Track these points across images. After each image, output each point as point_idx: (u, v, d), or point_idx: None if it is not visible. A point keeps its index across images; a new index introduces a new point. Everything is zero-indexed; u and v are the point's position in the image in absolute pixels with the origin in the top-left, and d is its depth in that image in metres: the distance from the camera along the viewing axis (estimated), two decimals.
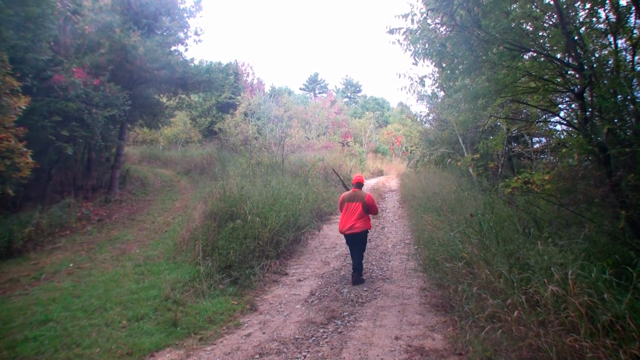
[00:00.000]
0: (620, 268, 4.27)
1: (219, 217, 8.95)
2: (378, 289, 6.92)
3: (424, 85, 8.57)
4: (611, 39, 5.97)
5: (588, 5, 6.15)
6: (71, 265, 8.42)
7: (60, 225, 10.82)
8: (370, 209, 7.53)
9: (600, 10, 6.12)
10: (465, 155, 13.52)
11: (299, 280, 7.59)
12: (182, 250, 8.59)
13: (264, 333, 5.33)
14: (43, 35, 10.77)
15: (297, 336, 5.20)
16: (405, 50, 7.21)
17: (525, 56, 6.88)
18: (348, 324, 5.52)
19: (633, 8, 5.54)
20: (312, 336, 5.19)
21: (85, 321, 5.53)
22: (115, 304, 6.12)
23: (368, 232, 7.70)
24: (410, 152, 30.63)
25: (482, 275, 5.15)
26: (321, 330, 5.36)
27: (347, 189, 8.07)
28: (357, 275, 7.33)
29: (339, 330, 5.35)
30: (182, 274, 7.21)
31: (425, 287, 6.73)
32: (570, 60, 6.08)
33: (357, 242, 7.45)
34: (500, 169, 12.29)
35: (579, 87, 5.90)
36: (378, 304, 6.23)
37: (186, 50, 19.03)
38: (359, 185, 7.83)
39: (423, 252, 8.10)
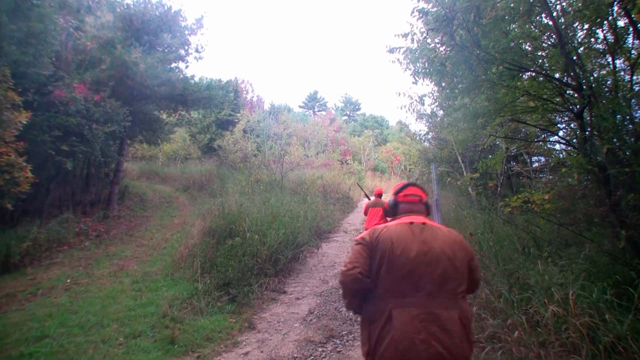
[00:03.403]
0: (622, 288, 4.26)
1: (217, 234, 8.92)
2: None
3: (423, 104, 8.64)
4: (610, 59, 6.03)
5: (586, 26, 6.23)
6: (68, 280, 8.35)
7: (58, 240, 10.76)
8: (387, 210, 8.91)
9: (599, 31, 6.20)
10: (465, 174, 13.55)
11: (298, 298, 7.54)
12: (180, 267, 8.54)
13: (262, 352, 5.28)
14: (45, 51, 10.83)
15: (295, 355, 5.15)
16: (405, 69, 7.26)
17: (524, 76, 6.94)
18: (347, 343, 5.47)
19: (631, 29, 5.61)
20: (311, 355, 5.14)
21: (82, 338, 5.47)
22: (113, 320, 6.06)
23: None
24: (409, 171, 30.71)
25: (482, 295, 5.13)
26: (320, 350, 5.31)
27: (369, 199, 10.00)
28: None
29: (338, 349, 5.31)
30: (180, 291, 7.16)
31: None
32: (569, 80, 6.13)
33: None
34: (499, 188, 12.31)
35: (578, 106, 5.94)
36: None
37: (187, 67, 19.11)
38: (380, 195, 9.84)
39: None
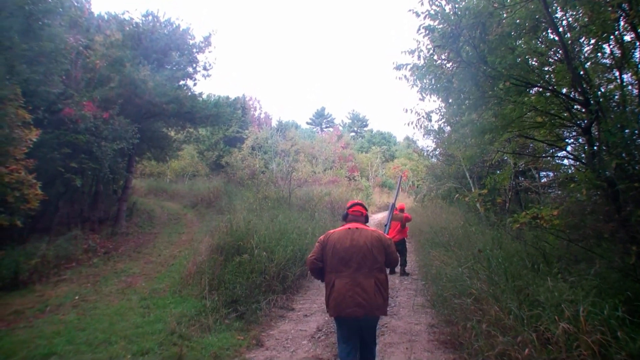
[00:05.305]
0: (633, 305, 4.20)
1: (225, 251, 8.90)
2: (385, 325, 6.81)
3: (430, 120, 8.65)
4: (617, 74, 6.03)
5: (593, 41, 6.24)
6: (76, 297, 8.36)
7: (66, 257, 10.79)
8: (404, 222, 10.71)
9: (605, 46, 6.21)
10: (473, 190, 13.48)
11: (306, 315, 7.49)
12: (188, 284, 8.52)
13: None
14: (55, 70, 10.98)
15: None
16: (412, 86, 7.29)
17: (531, 91, 6.94)
18: None
19: (637, 43, 5.62)
20: None
21: (89, 355, 5.46)
22: (120, 337, 6.04)
23: (405, 239, 11.08)
24: (417, 187, 30.64)
25: (492, 312, 5.07)
26: None
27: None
28: (402, 270, 10.41)
29: None
30: (188, 308, 7.14)
31: (433, 324, 6.61)
32: (576, 95, 6.13)
33: (398, 246, 9.60)
34: (507, 204, 12.24)
35: (585, 121, 5.93)
36: (385, 340, 6.12)
37: (195, 84, 19.11)
38: (402, 210, 11.01)
39: (431, 287, 8.01)
